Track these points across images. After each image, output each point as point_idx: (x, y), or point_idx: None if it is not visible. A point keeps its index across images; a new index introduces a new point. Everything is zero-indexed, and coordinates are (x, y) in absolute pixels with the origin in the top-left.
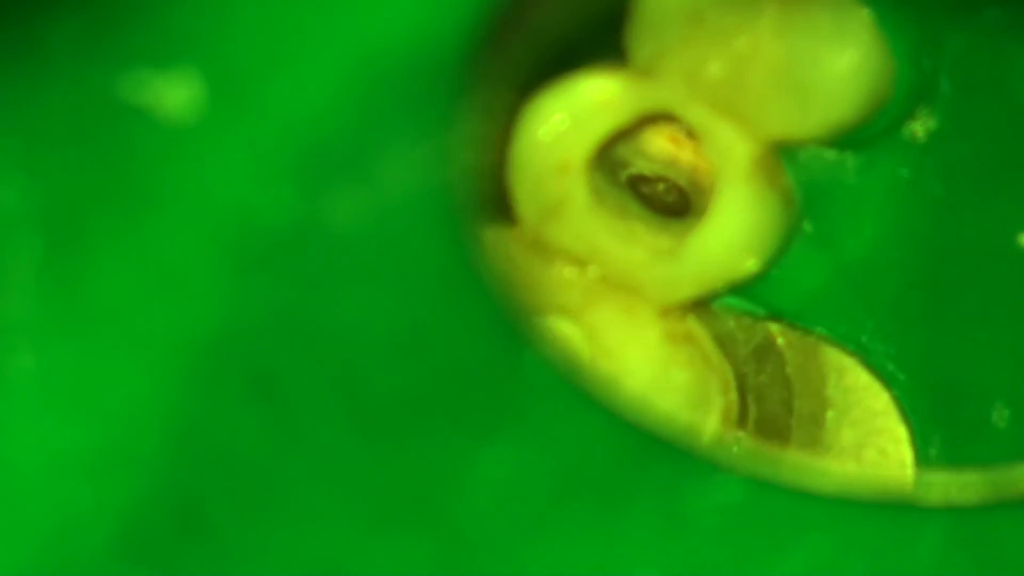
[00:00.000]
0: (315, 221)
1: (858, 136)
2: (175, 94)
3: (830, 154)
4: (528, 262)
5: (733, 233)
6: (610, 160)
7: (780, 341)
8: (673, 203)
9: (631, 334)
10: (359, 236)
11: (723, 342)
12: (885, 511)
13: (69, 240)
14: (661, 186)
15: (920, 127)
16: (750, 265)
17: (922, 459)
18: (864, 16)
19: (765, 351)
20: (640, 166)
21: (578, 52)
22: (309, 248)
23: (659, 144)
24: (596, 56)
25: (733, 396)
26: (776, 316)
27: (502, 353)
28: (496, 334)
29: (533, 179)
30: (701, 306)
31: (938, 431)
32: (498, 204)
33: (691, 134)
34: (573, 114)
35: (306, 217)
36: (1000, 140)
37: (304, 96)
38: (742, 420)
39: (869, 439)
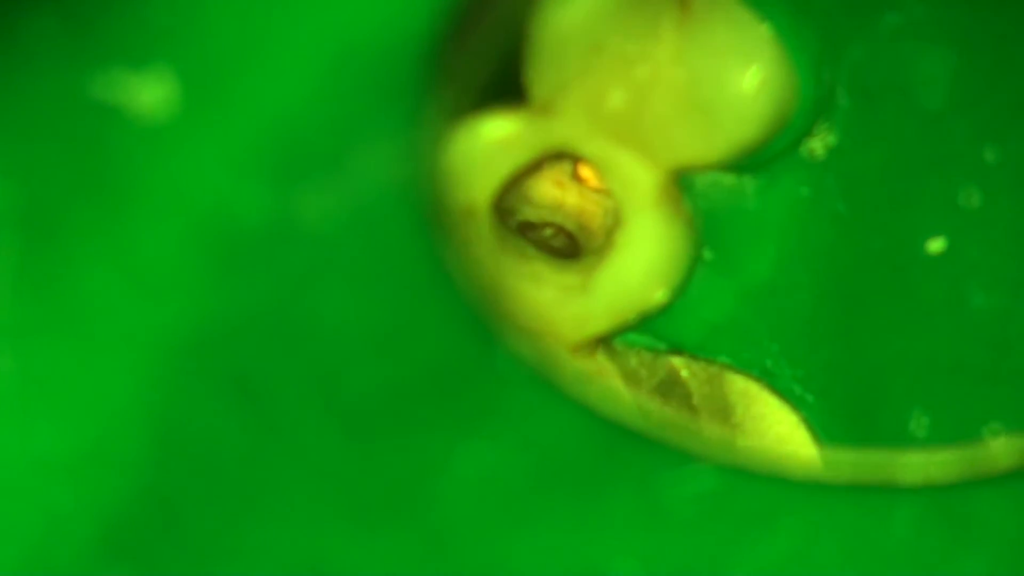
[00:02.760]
0: (289, 219)
1: (757, 158)
2: (150, 93)
3: (728, 179)
4: None
5: (643, 262)
6: (499, 208)
7: (684, 373)
8: (562, 247)
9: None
10: (332, 233)
11: (627, 378)
12: (858, 493)
13: (46, 240)
14: (549, 231)
15: (819, 143)
16: (660, 295)
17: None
18: (764, 31)
19: (669, 385)
20: (527, 213)
21: None
22: (284, 246)
23: (544, 189)
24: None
25: None
26: (678, 349)
27: (476, 349)
28: (469, 330)
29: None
30: (605, 344)
31: (851, 449)
32: None
33: (576, 176)
34: (475, 158)
35: (280, 215)
36: (901, 147)
37: (276, 94)
38: None
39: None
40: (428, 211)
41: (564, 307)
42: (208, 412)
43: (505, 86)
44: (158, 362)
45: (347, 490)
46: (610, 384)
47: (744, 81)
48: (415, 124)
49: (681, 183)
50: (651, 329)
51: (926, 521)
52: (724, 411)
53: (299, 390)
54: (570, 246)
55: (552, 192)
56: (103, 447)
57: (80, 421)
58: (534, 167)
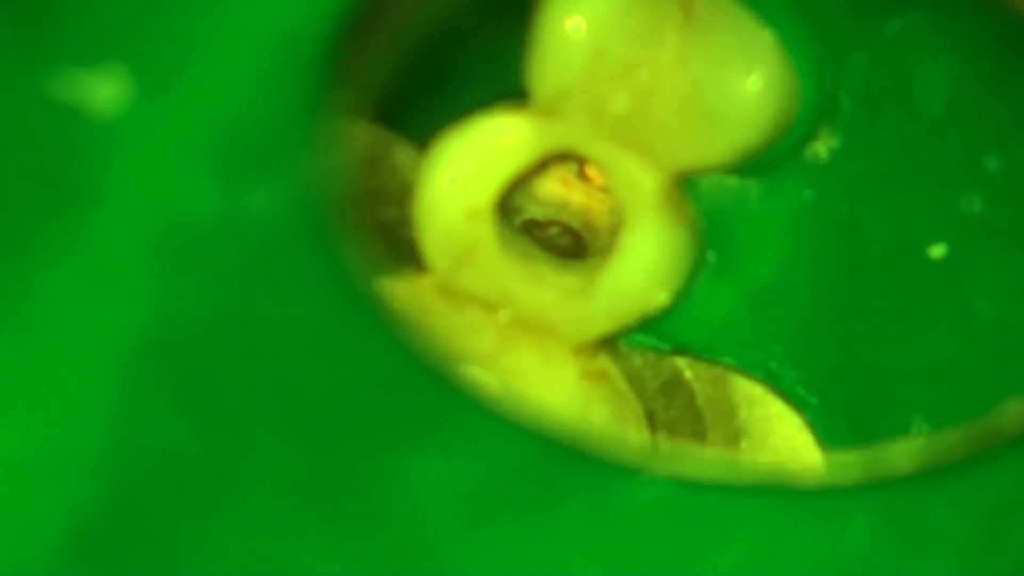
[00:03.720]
0: (235, 216)
1: (761, 161)
2: (103, 91)
3: (732, 181)
4: (439, 310)
5: (645, 266)
6: (504, 207)
7: (688, 374)
8: (567, 246)
9: (549, 375)
10: (278, 232)
11: (631, 380)
12: (813, 498)
13: (0, 240)
14: (554, 229)
15: (822, 147)
16: (662, 298)
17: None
18: (767, 37)
19: (673, 386)
20: (532, 211)
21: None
22: (231, 244)
23: (550, 188)
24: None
25: (645, 434)
26: (682, 350)
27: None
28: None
29: (442, 227)
30: (608, 345)
31: (854, 451)
32: (404, 253)
33: (582, 175)
34: (478, 159)
35: (227, 212)
36: (904, 152)
37: (225, 89)
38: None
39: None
40: (331, 216)
41: (566, 309)
42: (166, 414)
43: (507, 87)
44: (115, 363)
45: (305, 494)
46: (615, 385)
47: (746, 86)
48: (320, 121)
49: (685, 185)
50: (655, 330)
51: (883, 528)
52: (728, 413)
53: (253, 394)
54: (575, 245)
55: (558, 190)
56: (64, 450)
57: (40, 424)
58: (539, 167)
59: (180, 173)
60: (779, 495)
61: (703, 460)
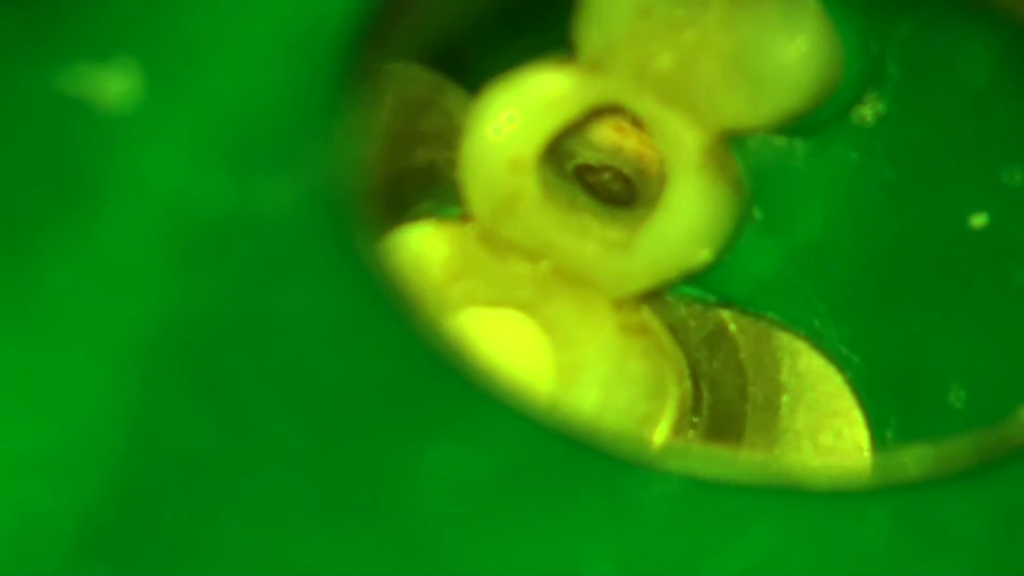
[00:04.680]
0: (249, 209)
1: (807, 122)
2: (114, 85)
3: (779, 140)
4: (482, 257)
5: (686, 224)
6: (556, 152)
7: (732, 327)
8: (619, 192)
9: (587, 327)
10: (291, 225)
11: (675, 330)
12: (830, 498)
13: (10, 236)
14: (607, 175)
15: (869, 111)
16: (703, 255)
17: (878, 441)
18: (811, 4)
19: (717, 338)
20: (586, 156)
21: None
22: (244, 238)
23: (604, 133)
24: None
25: (687, 384)
26: (728, 303)
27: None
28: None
29: (485, 177)
30: (654, 296)
31: (894, 413)
32: (452, 196)
33: (636, 122)
34: (524, 111)
35: (240, 206)
36: (948, 123)
37: (235, 82)
38: (696, 408)
39: (824, 422)
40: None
41: (607, 262)
42: (179, 409)
43: (555, 40)
44: (128, 358)
45: (318, 489)
46: (655, 339)
47: (789, 51)
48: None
49: (732, 143)
50: (701, 282)
51: (898, 530)
52: (770, 367)
53: (265, 387)
54: (627, 191)
55: (612, 136)
56: (76, 445)
57: (52, 419)
58: (583, 120)
59: (192, 167)
60: (794, 494)
61: (717, 458)
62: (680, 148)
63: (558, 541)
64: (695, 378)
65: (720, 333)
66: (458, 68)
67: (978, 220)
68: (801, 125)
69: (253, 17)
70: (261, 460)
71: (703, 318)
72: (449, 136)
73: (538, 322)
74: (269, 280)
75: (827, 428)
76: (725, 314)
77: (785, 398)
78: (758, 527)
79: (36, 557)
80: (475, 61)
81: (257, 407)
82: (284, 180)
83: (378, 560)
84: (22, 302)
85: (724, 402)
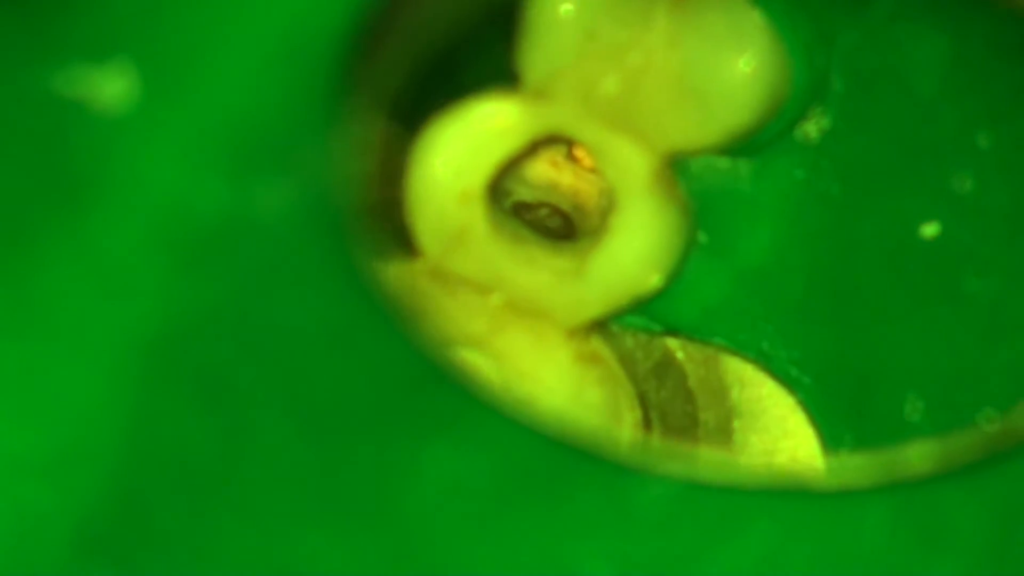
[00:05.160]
0: (245, 213)
1: (752, 141)
2: (111, 87)
3: (723, 162)
4: (432, 293)
5: (637, 248)
6: (494, 189)
7: (680, 355)
8: (557, 228)
9: (542, 357)
10: (287, 229)
11: (623, 361)
12: (826, 499)
13: (8, 237)
14: (544, 211)
15: (813, 127)
16: (654, 280)
17: (833, 460)
18: (757, 18)
19: (665, 367)
20: (522, 193)
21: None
22: (241, 242)
23: (539, 170)
24: (480, 70)
25: (639, 413)
26: (674, 331)
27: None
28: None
29: (434, 211)
30: (599, 327)
31: (849, 430)
32: (397, 237)
33: (571, 156)
34: (470, 142)
35: (236, 209)
36: (896, 132)
37: (232, 85)
38: (648, 435)
39: (778, 445)
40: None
41: (559, 291)
42: (176, 410)
43: (497, 72)
44: (125, 360)
45: (315, 491)
46: (608, 366)
47: (737, 67)
48: (338, 121)
49: (676, 166)
50: (647, 311)
51: (898, 525)
52: (720, 393)
53: (262, 390)
54: (565, 227)
55: (547, 172)
56: (73, 446)
57: (50, 421)
58: (529, 150)
59: (189, 170)
60: (792, 495)
61: (715, 462)
62: (628, 173)
63: (554, 543)
64: (644, 408)
65: (667, 362)
66: (400, 105)
67: (929, 229)
68: (745, 145)
69: (249, 20)
70: (258, 462)
71: (649, 348)
72: (392, 176)
73: (490, 357)
74: (265, 283)
75: (781, 450)
76: (672, 343)
77: (737, 423)
78: (756, 528)
79: (35, 557)
80: (420, 99)
81: (254, 410)
82: (280, 184)
83: (375, 562)
84: (19, 303)
85: (675, 430)
